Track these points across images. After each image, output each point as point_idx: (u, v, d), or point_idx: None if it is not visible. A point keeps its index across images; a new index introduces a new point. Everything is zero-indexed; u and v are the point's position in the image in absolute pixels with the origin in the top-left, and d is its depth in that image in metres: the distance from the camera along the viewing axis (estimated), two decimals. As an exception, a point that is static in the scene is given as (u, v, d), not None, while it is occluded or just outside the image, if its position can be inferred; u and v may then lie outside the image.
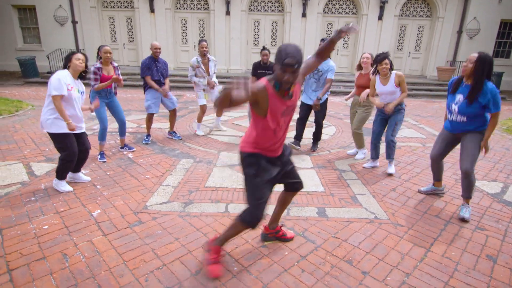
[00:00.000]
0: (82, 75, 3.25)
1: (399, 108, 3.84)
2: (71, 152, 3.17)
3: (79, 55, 3.12)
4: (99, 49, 4.09)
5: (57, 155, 4.25)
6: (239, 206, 3.07)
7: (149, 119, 4.92)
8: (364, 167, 4.23)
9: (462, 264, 2.37)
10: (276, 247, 2.48)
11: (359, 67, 4.46)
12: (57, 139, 3.14)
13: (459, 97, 2.89)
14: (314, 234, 2.66)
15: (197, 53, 12.48)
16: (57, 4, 11.95)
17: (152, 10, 12.14)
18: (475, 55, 2.71)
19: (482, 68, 2.67)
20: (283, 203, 2.45)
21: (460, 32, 12.30)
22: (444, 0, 12.06)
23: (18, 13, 12.56)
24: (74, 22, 12.28)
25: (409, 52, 13.08)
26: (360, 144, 4.57)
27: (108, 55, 4.02)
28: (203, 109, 5.39)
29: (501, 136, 6.26)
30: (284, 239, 2.54)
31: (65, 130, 3.10)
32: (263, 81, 1.89)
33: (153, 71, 4.73)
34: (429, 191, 3.47)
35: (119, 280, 2.07)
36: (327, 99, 4.75)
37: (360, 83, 4.39)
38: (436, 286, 2.13)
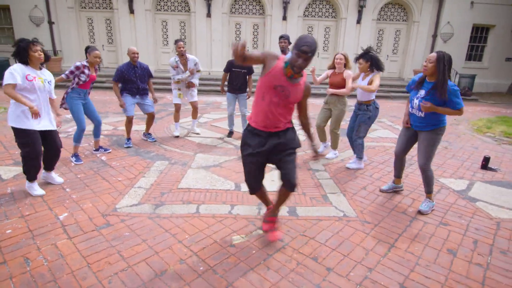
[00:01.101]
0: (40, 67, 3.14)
1: (365, 108, 3.96)
2: (33, 149, 3.04)
3: (38, 46, 3.03)
4: (87, 51, 4.02)
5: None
6: (211, 207, 3.07)
7: (128, 122, 4.84)
8: (347, 167, 4.31)
9: (424, 258, 2.46)
10: (244, 246, 2.50)
11: (333, 66, 4.54)
12: (20, 134, 3.02)
13: (421, 92, 3.00)
14: (283, 233, 2.70)
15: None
16: (33, 4, 11.63)
17: (131, 11, 11.99)
18: (434, 54, 2.84)
19: (443, 64, 2.77)
20: (281, 194, 2.45)
21: (435, 36, 12.74)
22: (419, 4, 12.47)
23: (-9, 13, 12.15)
24: (50, 23, 11.98)
25: (387, 55, 13.42)
26: (335, 145, 4.68)
27: (98, 59, 4.03)
28: (176, 107, 5.37)
29: (471, 135, 6.51)
30: (264, 230, 2.64)
31: (29, 126, 3.00)
32: (279, 54, 2.19)
33: (131, 79, 4.67)
34: (390, 189, 3.58)
35: (82, 283, 2.03)
36: None
37: (333, 81, 4.48)
38: (397, 280, 2.20)
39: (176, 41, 5.09)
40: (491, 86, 13.55)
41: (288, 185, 2.31)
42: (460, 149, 5.46)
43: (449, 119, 8.17)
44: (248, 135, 2.33)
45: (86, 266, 2.19)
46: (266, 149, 2.28)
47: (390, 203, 3.34)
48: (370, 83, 3.85)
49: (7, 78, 2.88)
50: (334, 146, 4.68)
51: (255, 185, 2.48)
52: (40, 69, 3.14)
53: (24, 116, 2.99)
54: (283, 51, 4.93)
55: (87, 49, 4.04)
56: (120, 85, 4.74)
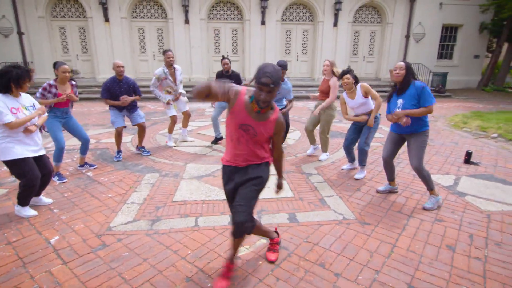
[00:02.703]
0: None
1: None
2: (32, 176, 2.89)
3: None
4: (55, 67, 3.75)
5: (6, 179, 3.91)
6: (209, 219, 3.01)
7: (118, 134, 4.65)
8: (342, 169, 4.35)
9: (426, 256, 2.51)
10: (249, 258, 2.45)
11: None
12: (14, 166, 2.86)
13: (400, 101, 3.18)
14: (286, 241, 2.68)
15: (157, 63, 12.25)
16: (0, 15, 11.09)
17: (106, 20, 11.69)
18: (403, 63, 3.13)
19: (411, 71, 3.14)
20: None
21: (407, 37, 13.24)
22: (392, 6, 12.93)
23: (-47, 24, 11.47)
24: (20, 33, 11.46)
25: (364, 56, 13.80)
26: (325, 148, 4.73)
27: (67, 74, 3.75)
28: (173, 119, 5.26)
29: (450, 131, 6.78)
30: (268, 248, 2.50)
31: (20, 155, 2.83)
32: (242, 88, 1.97)
33: (116, 93, 4.49)
34: (387, 190, 3.66)
35: (84, 311, 1.92)
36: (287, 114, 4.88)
37: (322, 88, 4.56)
38: (404, 280, 2.23)
39: (165, 51, 4.94)
40: (462, 83, 14.23)
41: (233, 224, 1.98)
42: (442, 145, 5.67)
43: (428, 116, 8.49)
44: (225, 169, 2.15)
45: (86, 292, 2.07)
46: (234, 186, 2.09)
47: (385, 203, 3.40)
48: (365, 94, 3.89)
49: (3, 118, 2.69)
50: (324, 149, 4.74)
51: (239, 221, 2.08)
52: (20, 95, 2.93)
53: (13, 146, 2.81)
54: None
55: (55, 65, 3.77)
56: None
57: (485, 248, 2.62)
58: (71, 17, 11.97)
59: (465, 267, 2.38)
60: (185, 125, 5.62)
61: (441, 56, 13.96)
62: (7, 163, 2.85)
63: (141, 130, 4.88)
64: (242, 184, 2.08)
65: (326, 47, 12.97)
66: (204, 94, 1.78)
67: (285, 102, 4.87)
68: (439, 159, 4.89)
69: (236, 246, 2.15)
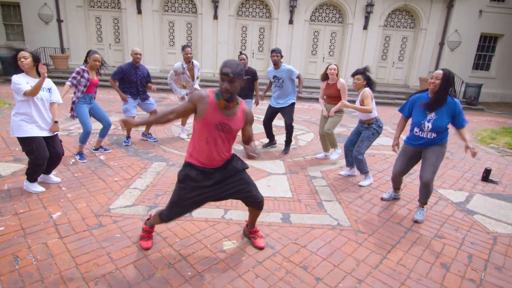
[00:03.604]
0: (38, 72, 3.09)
1: (367, 126, 3.84)
2: (39, 155, 3.08)
3: (22, 53, 2.96)
4: (88, 54, 4.03)
5: (24, 155, 4.18)
6: (204, 211, 3.06)
7: None
8: (339, 174, 4.28)
9: (416, 271, 2.42)
10: (234, 252, 2.48)
11: (325, 77, 4.52)
12: (24, 142, 3.07)
13: (432, 115, 2.96)
14: (274, 240, 2.68)
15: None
16: (42, 2, 11.80)
17: (139, 12, 12.10)
18: (440, 72, 2.85)
19: (447, 83, 2.84)
20: (252, 213, 2.51)
21: (442, 44, 12.64)
22: (427, 12, 12.39)
23: (1, 9, 12.34)
24: (59, 21, 12.14)
25: (393, 62, 13.35)
26: (333, 144, 4.60)
27: (97, 63, 4.02)
28: None
29: (475, 146, 6.41)
30: (252, 242, 2.59)
31: (31, 133, 3.04)
32: (208, 90, 2.06)
33: (131, 79, 4.72)
34: (391, 197, 3.56)
35: (68, 284, 2.04)
36: (294, 103, 4.90)
37: (329, 92, 4.49)
38: (386, 293, 2.17)
39: (184, 47, 5.05)
40: (498, 96, 13.39)
41: (259, 204, 2.38)
42: (462, 160, 5.40)
43: (453, 129, 8.08)
44: (192, 171, 2.13)
45: (74, 266, 2.20)
46: (218, 182, 2.19)
47: (386, 213, 3.30)
48: (361, 101, 3.76)
49: (17, 89, 2.91)
50: (334, 145, 4.63)
51: (176, 218, 2.32)
52: (37, 76, 3.11)
53: (24, 124, 3.02)
54: (276, 64, 4.89)
55: (88, 53, 4.05)
56: (117, 83, 4.77)
57: (483, 271, 2.49)
58: (107, 7, 12.51)
59: None
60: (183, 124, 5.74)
61: (477, 66, 13.21)
62: (18, 139, 3.06)
63: None
64: (227, 178, 2.20)
65: (354, 50, 12.67)
66: (162, 122, 2.16)
67: (293, 99, 4.89)
68: (454, 173, 4.66)
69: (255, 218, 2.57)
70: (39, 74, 3.07)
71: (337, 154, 4.66)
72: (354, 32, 12.53)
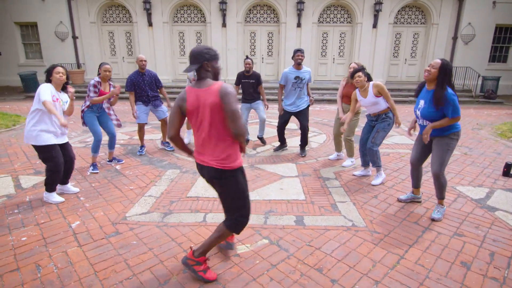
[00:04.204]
0: (64, 87, 3.37)
1: (383, 117, 3.85)
2: (57, 162, 3.24)
3: (59, 69, 3.22)
4: (99, 66, 4.21)
5: (43, 163, 4.35)
6: (218, 216, 3.09)
7: (140, 129, 5.02)
8: (353, 175, 4.23)
9: (435, 271, 2.35)
10: (248, 256, 2.49)
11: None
12: (42, 150, 3.22)
13: (421, 103, 3.00)
14: (288, 243, 2.67)
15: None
16: (58, 21, 12.30)
17: (150, 24, 12.41)
18: (438, 61, 2.80)
19: (445, 74, 2.78)
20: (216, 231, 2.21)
21: (455, 38, 12.35)
22: (438, 6, 12.15)
23: (20, 29, 12.94)
24: (74, 38, 12.60)
25: (405, 59, 13.12)
26: (350, 153, 4.60)
27: (108, 73, 4.17)
28: None
29: (495, 140, 6.22)
30: (199, 274, 2.18)
31: (49, 142, 3.19)
32: (182, 94, 2.09)
33: (140, 86, 4.84)
34: (409, 199, 3.47)
35: (88, 291, 2.09)
36: (309, 105, 4.96)
37: (348, 92, 4.44)
38: (404, 294, 2.12)
39: None
40: (518, 88, 12.92)
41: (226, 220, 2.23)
42: (481, 155, 5.22)
43: (472, 124, 7.85)
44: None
45: (93, 274, 2.26)
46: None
47: (402, 213, 3.23)
48: (377, 94, 3.75)
49: (44, 94, 3.09)
50: (350, 154, 4.61)
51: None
52: (60, 91, 3.35)
53: (44, 134, 3.19)
54: (300, 64, 4.89)
55: (100, 66, 4.21)
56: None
57: (507, 268, 2.39)
58: (119, 22, 12.90)
59: (478, 287, 2.19)
60: (189, 127, 5.80)
61: (493, 59, 12.81)
62: (37, 147, 3.22)
63: (164, 125, 5.19)
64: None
65: (365, 49, 12.54)
66: (175, 138, 2.12)
67: (306, 99, 4.93)
68: (474, 169, 4.52)
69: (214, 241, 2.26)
70: (63, 90, 3.37)
71: (351, 162, 4.62)
72: (363, 31, 12.42)
